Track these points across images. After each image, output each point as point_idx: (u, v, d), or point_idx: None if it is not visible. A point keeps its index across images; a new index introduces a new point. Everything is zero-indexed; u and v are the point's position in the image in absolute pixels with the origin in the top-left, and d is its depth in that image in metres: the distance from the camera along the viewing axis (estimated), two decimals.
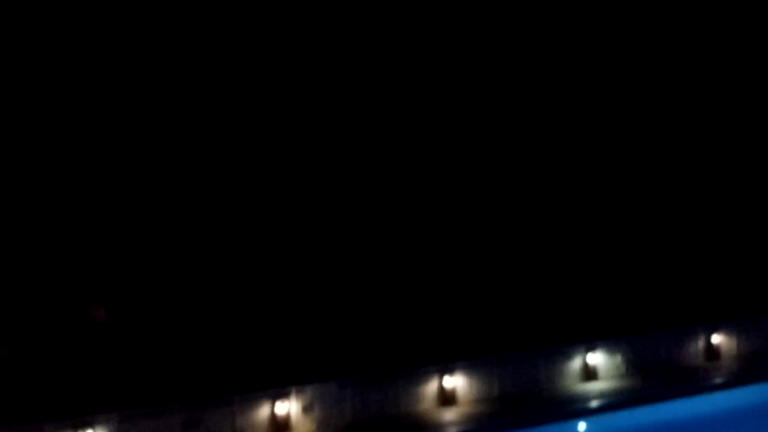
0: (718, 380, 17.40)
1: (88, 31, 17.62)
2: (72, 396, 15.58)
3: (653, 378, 17.33)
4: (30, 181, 17.93)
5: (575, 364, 17.10)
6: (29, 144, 17.81)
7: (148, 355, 17.40)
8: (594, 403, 16.46)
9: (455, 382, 16.23)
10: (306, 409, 15.47)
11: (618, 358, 17.27)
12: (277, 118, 19.34)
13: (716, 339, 18.05)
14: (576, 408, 16.30)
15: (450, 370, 16.21)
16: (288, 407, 15.25)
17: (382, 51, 19.74)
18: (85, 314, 17.80)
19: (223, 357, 16.94)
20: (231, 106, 18.97)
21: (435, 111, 20.30)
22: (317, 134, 19.51)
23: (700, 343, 18.00)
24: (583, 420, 16.23)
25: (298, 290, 18.69)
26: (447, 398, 16.16)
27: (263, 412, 15.24)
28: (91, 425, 14.34)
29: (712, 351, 18.06)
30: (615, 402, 16.52)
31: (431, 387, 16.17)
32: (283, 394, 15.28)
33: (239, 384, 15.63)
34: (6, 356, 16.62)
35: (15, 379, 16.54)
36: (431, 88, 20.28)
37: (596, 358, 17.16)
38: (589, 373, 17.16)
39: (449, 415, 15.94)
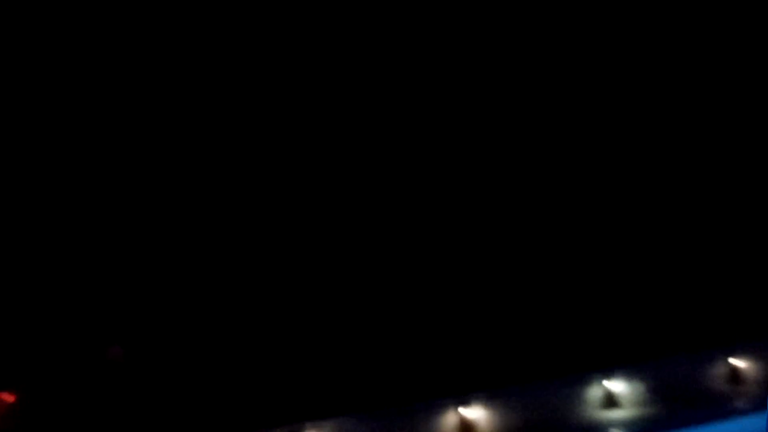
0: (742, 405, 17.07)
1: (88, 31, 17.61)
2: None
3: (676, 403, 17.02)
4: (48, 220, 18.03)
5: (595, 391, 16.84)
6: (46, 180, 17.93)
7: (161, 394, 17.38)
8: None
9: (474, 413, 16.04)
10: None
11: (639, 384, 17.00)
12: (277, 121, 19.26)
13: (739, 362, 17.72)
14: None
15: (467, 402, 16.01)
16: None
17: (383, 51, 19.53)
18: (103, 354, 17.81)
19: (237, 393, 16.86)
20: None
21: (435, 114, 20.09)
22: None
23: (722, 368, 17.66)
24: None
25: (312, 323, 18.61)
26: (466, 430, 15.97)
27: None
28: None
29: (735, 375, 17.72)
30: (638, 430, 16.23)
31: (450, 419, 15.99)
32: (298, 430, 15.16)
33: (253, 421, 15.54)
34: (23, 399, 16.65)
35: (31, 422, 16.58)
36: (431, 88, 19.97)
37: (617, 385, 16.88)
38: (611, 401, 16.88)
39: None
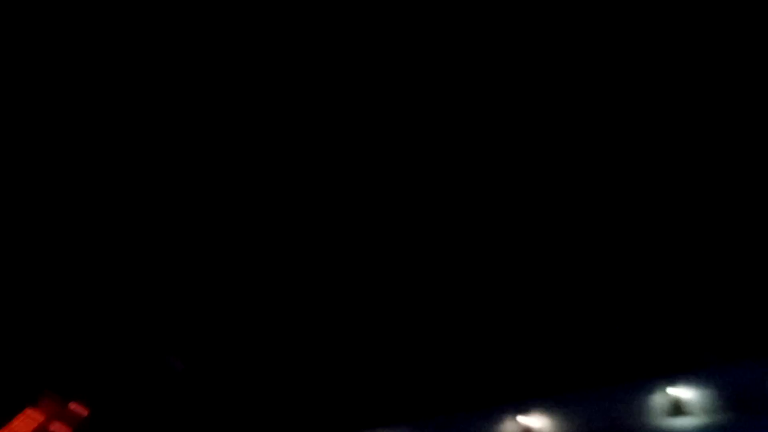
0: None
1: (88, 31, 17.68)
2: None
3: (745, 411, 16.46)
4: (109, 239, 18.30)
5: (662, 398, 16.37)
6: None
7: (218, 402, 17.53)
8: None
9: (534, 421, 15.78)
10: None
11: (707, 392, 16.48)
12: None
13: None
14: None
15: (526, 409, 15.76)
16: None
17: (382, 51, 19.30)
18: (164, 364, 18.02)
19: (290, 402, 16.90)
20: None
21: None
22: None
23: None
24: None
25: (366, 332, 18.53)
26: None
27: None
28: None
29: None
30: None
31: (510, 427, 15.75)
32: None
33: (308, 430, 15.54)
34: (94, 416, 16.95)
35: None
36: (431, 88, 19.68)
37: (684, 392, 16.40)
38: (678, 408, 16.39)
39: None
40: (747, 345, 17.48)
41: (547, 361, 17.55)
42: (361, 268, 19.37)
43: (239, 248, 19.03)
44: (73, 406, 16.96)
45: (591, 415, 15.99)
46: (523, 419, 15.69)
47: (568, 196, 20.01)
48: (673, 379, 16.24)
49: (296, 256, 19.37)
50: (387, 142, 19.34)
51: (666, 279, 19.51)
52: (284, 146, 18.87)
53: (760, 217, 19.96)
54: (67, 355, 17.28)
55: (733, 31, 19.70)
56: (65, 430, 16.66)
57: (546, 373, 17.10)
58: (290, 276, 19.31)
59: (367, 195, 19.17)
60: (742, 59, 19.77)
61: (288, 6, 18.39)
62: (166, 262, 18.55)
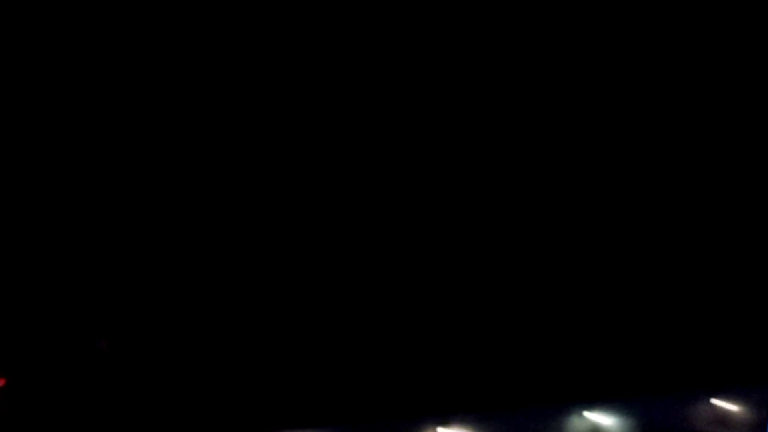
0: None
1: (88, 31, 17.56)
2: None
3: None
4: (44, 216, 18.05)
5: (578, 423, 16.68)
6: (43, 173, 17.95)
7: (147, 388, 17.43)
8: None
9: None
10: None
11: (623, 419, 16.84)
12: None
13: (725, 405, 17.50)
14: None
15: (448, 422, 15.92)
16: None
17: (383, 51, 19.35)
18: (90, 345, 17.86)
19: (215, 392, 16.87)
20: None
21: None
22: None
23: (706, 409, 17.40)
24: None
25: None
26: None
27: None
28: None
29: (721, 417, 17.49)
30: None
31: None
32: None
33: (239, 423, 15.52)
34: (9, 386, 16.72)
35: (20, 409, 16.64)
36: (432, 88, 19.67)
37: (601, 418, 16.73)
38: None
39: None
40: (670, 378, 17.77)
41: (473, 378, 17.67)
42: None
43: (174, 229, 18.82)
44: None
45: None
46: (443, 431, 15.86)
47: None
48: (591, 404, 16.51)
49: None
50: (387, 142, 19.29)
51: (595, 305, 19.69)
52: (285, 146, 18.76)
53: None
54: None
55: (733, 31, 19.74)
56: None
57: (472, 389, 17.24)
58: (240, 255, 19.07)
59: (367, 195, 19.10)
60: (742, 59, 19.83)
61: (288, 6, 18.35)
62: (114, 243, 18.34)
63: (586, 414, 16.67)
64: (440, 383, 17.51)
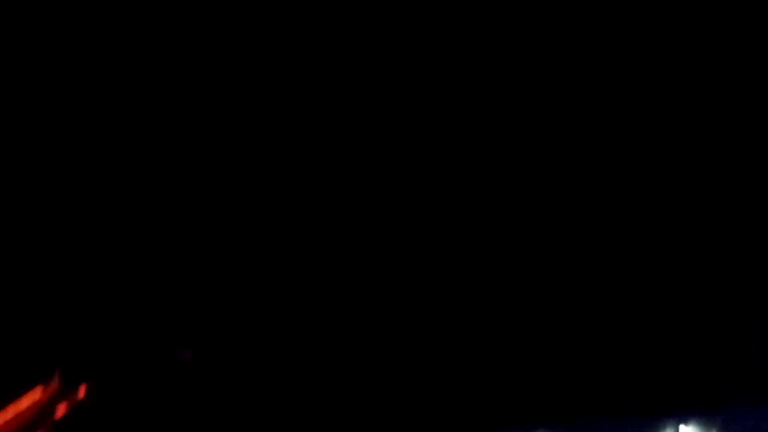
0: None
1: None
2: None
3: None
4: (124, 223, 18.16)
5: None
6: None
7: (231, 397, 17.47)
8: None
9: None
10: None
11: None
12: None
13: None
14: None
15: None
16: None
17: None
18: (173, 355, 17.94)
19: (302, 398, 16.88)
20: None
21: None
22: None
23: None
24: None
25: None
26: None
27: None
28: None
29: None
30: None
31: None
32: None
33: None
34: (93, 395, 16.86)
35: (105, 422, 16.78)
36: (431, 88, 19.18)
37: None
38: None
39: None
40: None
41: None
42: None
43: (250, 241, 18.84)
44: (79, 388, 16.91)
45: None
46: None
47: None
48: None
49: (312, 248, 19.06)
50: (387, 142, 18.91)
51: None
52: (286, 146, 18.64)
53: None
54: (77, 340, 17.20)
55: (733, 31, 19.16)
56: (70, 410, 16.63)
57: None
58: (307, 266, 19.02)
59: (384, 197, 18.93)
60: (742, 60, 19.25)
61: (288, 6, 18.19)
62: (182, 253, 18.40)
63: (682, 428, 16.28)
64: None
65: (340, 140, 18.62)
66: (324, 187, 18.84)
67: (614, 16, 19.06)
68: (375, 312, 18.14)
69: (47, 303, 17.16)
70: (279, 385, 17.86)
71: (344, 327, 18.35)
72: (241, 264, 18.74)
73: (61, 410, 16.55)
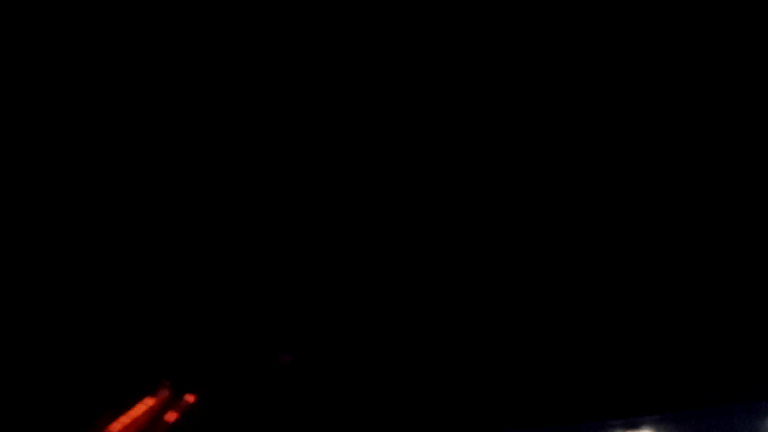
0: None
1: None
2: None
3: None
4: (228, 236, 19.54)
5: None
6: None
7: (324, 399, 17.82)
8: None
9: None
10: None
11: None
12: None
13: None
14: None
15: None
16: None
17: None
18: (273, 358, 18.82)
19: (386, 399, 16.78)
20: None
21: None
22: None
23: None
24: None
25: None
26: None
27: None
28: None
29: None
30: None
31: None
32: None
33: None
34: (201, 403, 18.60)
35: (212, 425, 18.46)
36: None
37: None
38: None
39: None
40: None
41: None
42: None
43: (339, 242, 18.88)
44: (186, 396, 18.78)
45: None
46: None
47: None
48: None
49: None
50: (387, 142, 18.50)
51: None
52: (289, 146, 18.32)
53: None
54: (182, 350, 19.09)
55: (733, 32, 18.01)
56: (177, 417, 18.60)
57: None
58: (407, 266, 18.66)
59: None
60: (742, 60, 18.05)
61: (288, 6, 17.76)
62: (277, 259, 19.21)
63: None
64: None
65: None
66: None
67: (615, 16, 18.13)
68: (375, 312, 17.38)
69: (154, 318, 19.29)
70: (375, 387, 17.78)
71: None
72: (335, 270, 18.94)
73: (171, 416, 18.63)
